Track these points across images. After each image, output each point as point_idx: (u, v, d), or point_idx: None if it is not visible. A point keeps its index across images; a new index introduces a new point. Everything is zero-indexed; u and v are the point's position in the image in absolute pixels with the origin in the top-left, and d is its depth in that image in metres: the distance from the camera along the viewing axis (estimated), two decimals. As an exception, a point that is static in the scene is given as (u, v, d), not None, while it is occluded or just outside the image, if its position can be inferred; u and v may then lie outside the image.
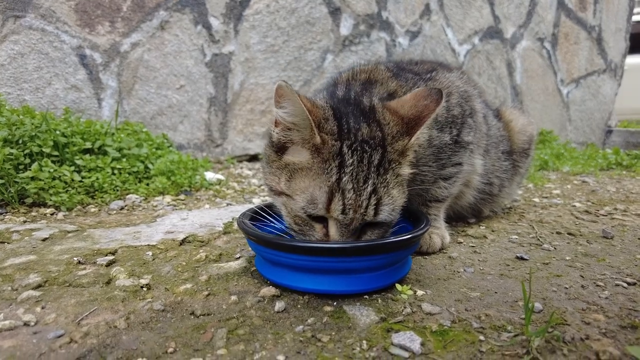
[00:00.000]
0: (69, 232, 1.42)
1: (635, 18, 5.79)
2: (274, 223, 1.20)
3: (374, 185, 0.94)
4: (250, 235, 0.99)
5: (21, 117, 1.90)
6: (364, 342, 0.77)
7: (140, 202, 1.87)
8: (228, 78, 2.99)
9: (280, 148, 1.02)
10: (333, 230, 0.95)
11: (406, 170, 1.02)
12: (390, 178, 0.97)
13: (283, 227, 1.12)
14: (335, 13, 3.12)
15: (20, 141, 1.79)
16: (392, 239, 0.93)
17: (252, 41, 2.99)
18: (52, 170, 1.76)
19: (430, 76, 1.33)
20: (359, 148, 0.95)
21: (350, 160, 0.93)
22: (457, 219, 1.64)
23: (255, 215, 1.18)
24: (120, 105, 2.71)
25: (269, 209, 1.20)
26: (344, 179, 0.92)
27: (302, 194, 0.95)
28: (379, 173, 0.96)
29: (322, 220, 0.96)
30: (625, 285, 1.03)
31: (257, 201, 1.98)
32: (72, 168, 1.84)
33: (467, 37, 3.79)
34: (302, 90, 3.14)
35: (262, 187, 2.29)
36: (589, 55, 4.59)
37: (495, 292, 0.99)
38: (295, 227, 1.01)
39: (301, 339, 0.78)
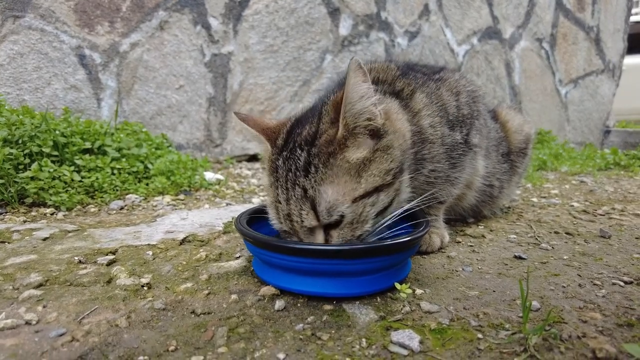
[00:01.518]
0: (69, 231, 1.42)
1: (633, 19, 5.81)
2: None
3: (302, 189, 0.91)
4: (247, 237, 0.99)
5: (21, 117, 1.90)
6: (364, 340, 0.78)
7: (140, 202, 1.88)
8: (227, 78, 2.99)
9: (262, 165, 1.09)
10: (296, 238, 0.98)
11: (354, 154, 0.92)
12: (322, 173, 0.91)
13: None
14: (334, 13, 3.13)
15: (20, 141, 1.80)
16: (391, 241, 0.93)
17: (251, 41, 2.99)
18: (51, 170, 1.76)
19: (439, 76, 1.33)
20: (289, 156, 0.96)
21: (281, 171, 0.96)
22: (456, 219, 1.65)
23: (257, 215, 1.18)
24: (119, 105, 2.72)
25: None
26: (277, 191, 0.97)
27: (269, 209, 1.03)
28: (307, 174, 0.92)
29: None
30: (622, 284, 1.04)
31: (256, 201, 1.98)
32: (72, 168, 1.85)
33: (466, 38, 3.80)
34: (301, 90, 3.15)
35: (261, 186, 2.30)
36: (587, 56, 4.61)
37: (494, 291, 1.00)
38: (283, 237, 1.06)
39: (301, 337, 0.79)
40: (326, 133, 0.94)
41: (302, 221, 0.93)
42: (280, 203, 0.96)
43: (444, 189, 1.30)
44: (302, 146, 0.95)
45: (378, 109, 0.96)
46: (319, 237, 0.95)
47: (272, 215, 1.02)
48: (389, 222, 1.02)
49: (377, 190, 0.95)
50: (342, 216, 0.92)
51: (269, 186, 1.02)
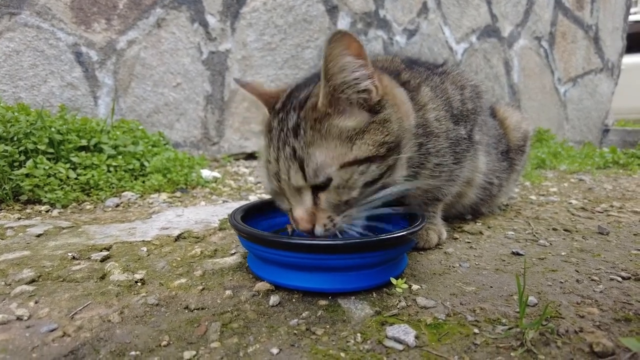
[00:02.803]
0: (63, 228, 1.41)
1: (632, 18, 5.81)
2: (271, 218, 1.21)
3: (291, 149, 0.93)
4: (241, 232, 0.98)
5: (16, 114, 1.89)
6: (359, 335, 0.77)
7: (136, 199, 1.87)
8: (225, 76, 2.98)
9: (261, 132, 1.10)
10: (291, 201, 0.99)
11: (344, 122, 0.92)
12: (311, 136, 0.92)
13: (283, 221, 1.13)
14: (332, 11, 3.12)
15: (15, 138, 1.79)
16: (386, 236, 0.92)
17: (249, 39, 2.98)
18: (47, 167, 1.75)
19: (442, 70, 1.32)
20: (284, 117, 0.97)
21: (274, 132, 0.98)
22: (454, 217, 1.64)
23: (251, 211, 1.17)
24: (116, 103, 2.70)
25: (267, 205, 1.21)
26: (269, 150, 0.98)
27: (261, 170, 1.07)
28: (296, 135, 0.93)
29: None
30: (619, 279, 1.03)
31: (253, 198, 1.97)
32: (68, 165, 1.83)
33: (465, 36, 3.79)
34: (299, 88, 3.13)
35: (259, 184, 2.29)
36: (586, 54, 4.61)
37: (491, 287, 0.99)
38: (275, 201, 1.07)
39: (295, 332, 0.78)
40: (314, 97, 0.95)
41: (289, 179, 0.93)
42: (271, 162, 0.98)
43: (444, 186, 1.29)
44: (295, 108, 0.97)
45: (374, 83, 0.96)
46: (307, 198, 0.95)
47: (262, 175, 1.05)
48: (380, 201, 0.99)
49: (369, 160, 0.93)
50: (330, 179, 0.91)
51: (263, 147, 1.05)
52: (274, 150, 0.97)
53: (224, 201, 1.91)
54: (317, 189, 0.94)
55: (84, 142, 1.97)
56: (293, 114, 0.96)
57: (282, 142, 0.95)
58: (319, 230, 0.95)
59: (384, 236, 0.91)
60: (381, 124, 0.96)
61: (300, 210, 0.96)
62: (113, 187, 1.91)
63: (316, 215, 0.95)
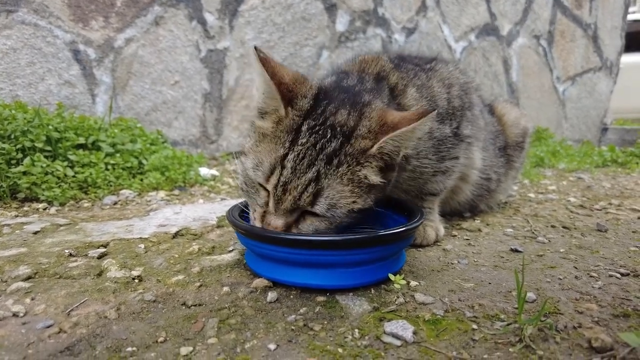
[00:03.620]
0: (60, 225, 1.40)
1: (630, 17, 5.81)
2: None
3: (317, 173, 0.89)
4: (239, 228, 0.98)
5: (13, 111, 1.88)
6: (356, 330, 0.76)
7: (134, 197, 1.86)
8: (223, 74, 2.97)
9: (261, 113, 1.00)
10: (271, 202, 0.93)
11: (371, 176, 0.93)
12: (343, 173, 0.91)
13: None
14: (331, 9, 3.12)
15: (12, 136, 1.77)
16: (385, 232, 0.91)
17: (248, 37, 2.97)
18: (44, 165, 1.74)
19: (430, 66, 1.31)
20: (320, 131, 0.91)
21: (304, 140, 0.91)
22: (451, 213, 1.64)
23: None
24: (114, 101, 2.69)
25: None
26: (289, 156, 0.90)
27: (255, 155, 0.95)
28: (330, 162, 0.90)
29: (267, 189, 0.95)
30: (618, 275, 1.03)
31: (252, 196, 1.97)
32: (65, 163, 1.82)
33: (464, 34, 3.79)
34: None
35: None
36: (585, 53, 4.60)
37: (489, 283, 0.99)
38: (243, 187, 1.01)
39: (293, 328, 0.77)
40: (362, 139, 0.92)
41: (297, 197, 0.89)
42: (285, 168, 0.90)
43: (436, 180, 1.28)
44: (335, 132, 0.92)
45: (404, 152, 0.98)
46: (294, 215, 0.93)
47: (257, 163, 0.94)
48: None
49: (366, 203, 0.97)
50: (332, 217, 0.92)
51: (270, 139, 0.95)
52: (295, 161, 0.90)
53: (222, 199, 1.90)
54: (308, 213, 0.93)
55: (81, 140, 1.96)
56: (333, 138, 0.91)
57: (310, 159, 0.89)
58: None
59: (382, 232, 0.91)
60: (386, 177, 0.98)
61: (280, 222, 0.93)
62: (111, 185, 1.90)
63: (290, 228, 0.94)
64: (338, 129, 0.92)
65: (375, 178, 0.94)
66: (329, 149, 0.90)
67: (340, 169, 0.90)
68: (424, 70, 1.27)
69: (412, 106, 1.15)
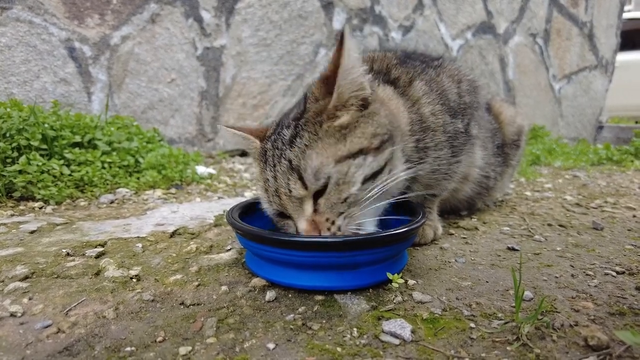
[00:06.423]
0: (57, 224, 1.40)
1: (626, 15, 5.83)
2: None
3: (288, 161, 0.92)
4: (238, 229, 0.97)
5: (8, 109, 1.86)
6: (355, 329, 0.77)
7: (131, 195, 1.86)
8: (220, 72, 2.96)
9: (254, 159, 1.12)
10: (290, 213, 0.97)
11: (341, 120, 0.94)
12: (309, 140, 0.92)
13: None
14: (327, 7, 3.11)
15: (8, 134, 1.76)
16: (386, 232, 0.91)
17: (244, 35, 2.96)
18: (40, 163, 1.73)
19: (438, 63, 1.31)
20: (276, 138, 0.99)
21: (269, 152, 0.99)
22: (450, 211, 1.65)
23: (249, 209, 1.16)
24: (110, 99, 2.68)
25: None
26: (266, 171, 0.99)
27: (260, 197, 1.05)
28: (292, 145, 0.94)
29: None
30: (614, 274, 1.04)
31: (248, 195, 1.97)
32: (61, 162, 1.82)
33: (460, 32, 3.79)
34: (294, 84, 3.12)
35: (254, 181, 2.28)
36: (581, 51, 4.62)
37: (486, 282, 0.99)
38: (278, 225, 1.05)
39: (292, 327, 0.78)
40: (315, 105, 0.96)
41: (290, 191, 0.92)
42: (269, 181, 0.97)
43: (443, 181, 1.29)
44: (288, 125, 0.98)
45: (366, 78, 0.97)
46: (308, 207, 0.93)
47: (262, 198, 1.03)
48: (381, 202, 1.00)
49: (363, 152, 0.93)
50: (329, 177, 0.90)
51: (259, 173, 1.05)
52: (270, 170, 0.97)
53: (219, 197, 1.90)
54: (318, 195, 0.93)
55: (77, 139, 1.95)
56: (287, 130, 0.97)
57: (277, 158, 0.95)
58: (325, 235, 0.94)
59: (384, 233, 0.91)
60: (370, 117, 0.97)
61: (303, 222, 0.93)
62: (107, 184, 1.90)
63: (317, 222, 0.93)
64: (290, 122, 0.99)
65: (345, 119, 0.94)
66: (286, 138, 0.96)
67: (302, 140, 0.93)
68: (431, 67, 1.27)
69: (420, 97, 1.16)
